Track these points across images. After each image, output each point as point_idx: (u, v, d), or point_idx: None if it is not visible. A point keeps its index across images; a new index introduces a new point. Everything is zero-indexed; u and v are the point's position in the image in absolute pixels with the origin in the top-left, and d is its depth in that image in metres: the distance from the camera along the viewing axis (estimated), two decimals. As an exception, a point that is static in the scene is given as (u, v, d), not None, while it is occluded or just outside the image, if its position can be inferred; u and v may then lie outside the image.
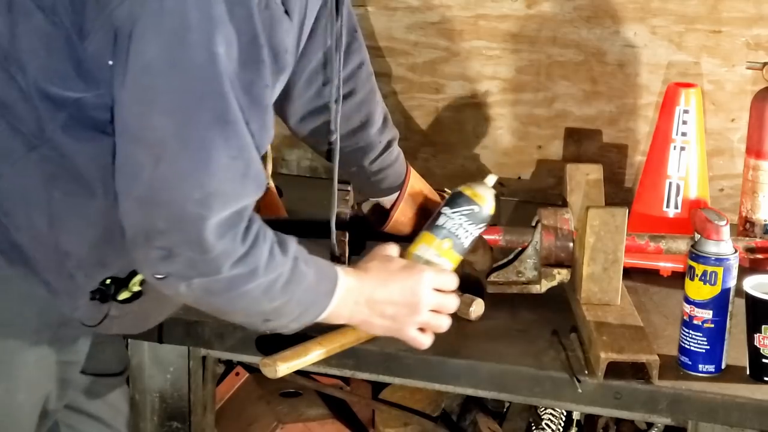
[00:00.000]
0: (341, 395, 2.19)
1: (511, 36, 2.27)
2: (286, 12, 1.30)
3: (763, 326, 1.51)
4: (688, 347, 1.55)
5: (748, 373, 1.55)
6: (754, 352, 1.53)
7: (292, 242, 1.39)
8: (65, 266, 1.38)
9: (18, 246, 1.36)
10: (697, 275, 1.52)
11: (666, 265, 1.89)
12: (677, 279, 1.71)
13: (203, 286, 1.31)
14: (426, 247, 1.58)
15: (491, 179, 1.63)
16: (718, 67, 2.18)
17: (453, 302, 1.54)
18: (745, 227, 1.95)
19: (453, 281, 1.54)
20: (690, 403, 1.52)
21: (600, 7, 2.21)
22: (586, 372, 1.55)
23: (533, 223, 1.79)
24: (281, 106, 1.70)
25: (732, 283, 1.52)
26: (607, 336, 1.56)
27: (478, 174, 2.35)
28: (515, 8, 2.25)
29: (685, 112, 1.92)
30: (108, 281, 1.41)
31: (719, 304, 1.52)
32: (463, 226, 1.59)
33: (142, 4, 1.20)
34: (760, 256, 1.81)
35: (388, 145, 1.78)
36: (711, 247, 1.52)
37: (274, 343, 1.60)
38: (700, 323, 1.53)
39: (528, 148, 2.34)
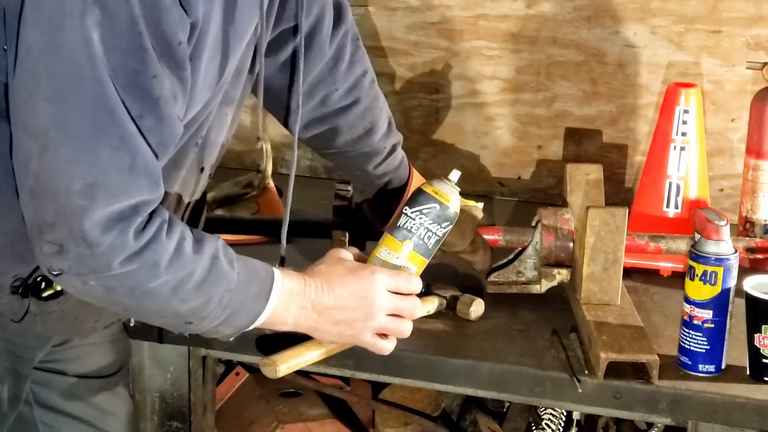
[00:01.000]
0: (341, 395, 2.19)
1: (511, 36, 2.27)
2: (182, 6, 1.24)
3: (763, 326, 1.51)
4: (688, 347, 1.55)
5: (748, 373, 1.55)
6: (754, 352, 1.53)
7: (211, 242, 1.34)
8: None
9: None
10: (697, 275, 1.52)
11: (666, 265, 1.89)
12: (677, 279, 1.71)
13: (100, 283, 1.27)
14: (387, 250, 1.50)
15: (455, 175, 1.54)
16: (718, 67, 2.18)
17: (412, 305, 1.48)
18: (745, 227, 1.95)
19: (411, 282, 1.48)
20: (690, 403, 1.52)
21: (600, 7, 2.21)
22: (586, 372, 1.55)
23: (533, 223, 1.79)
24: (282, 116, 1.69)
25: (732, 283, 1.52)
26: (607, 336, 1.56)
27: (478, 174, 2.35)
28: (515, 8, 2.25)
29: (685, 112, 1.92)
30: (39, 278, 1.38)
31: (719, 304, 1.52)
32: (424, 226, 1.49)
33: None
34: (760, 256, 1.81)
35: (393, 149, 1.77)
36: (711, 247, 1.52)
37: (274, 343, 1.60)
38: (700, 323, 1.52)
39: (528, 148, 2.34)
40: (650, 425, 2.04)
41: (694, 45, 2.18)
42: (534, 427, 2.13)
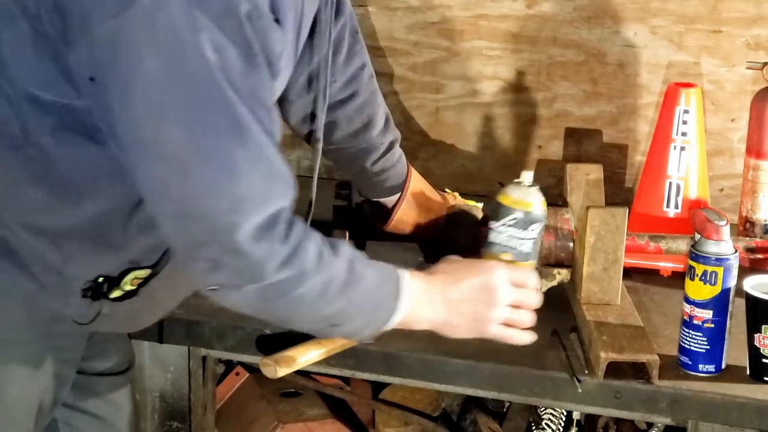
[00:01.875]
0: (341, 395, 2.19)
1: (512, 36, 2.27)
2: (277, 21, 1.29)
3: (763, 326, 1.51)
4: (688, 347, 1.55)
5: (748, 373, 1.55)
6: (754, 352, 1.53)
7: (344, 245, 1.38)
8: (54, 263, 1.37)
9: (7, 243, 1.36)
10: (697, 275, 1.52)
11: (666, 265, 1.89)
12: (677, 279, 1.71)
13: (255, 293, 1.31)
14: None
15: (527, 176, 1.56)
16: (718, 67, 2.18)
17: (533, 297, 1.50)
18: (745, 227, 1.95)
19: (530, 277, 1.51)
20: (690, 403, 1.52)
21: (600, 7, 2.21)
22: (586, 372, 1.55)
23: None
24: (281, 108, 1.69)
25: (732, 283, 1.52)
26: (607, 336, 1.56)
27: (478, 174, 2.35)
28: (515, 8, 2.25)
29: (685, 112, 1.92)
30: (101, 279, 1.40)
31: (719, 304, 1.52)
32: (514, 237, 1.54)
33: (132, 22, 1.19)
34: (760, 256, 1.81)
35: (390, 146, 1.78)
36: (711, 247, 1.52)
37: (274, 343, 1.60)
38: (700, 323, 1.52)
39: (528, 148, 2.34)
40: (650, 425, 2.04)
41: (694, 45, 2.18)
42: (534, 427, 2.13)
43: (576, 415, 2.10)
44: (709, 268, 1.51)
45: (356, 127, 1.73)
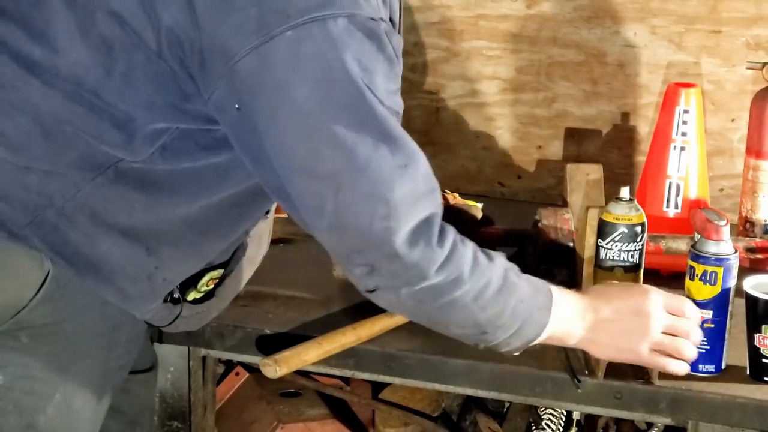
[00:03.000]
0: (341, 395, 2.19)
1: (512, 36, 2.27)
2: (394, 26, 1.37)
3: (763, 326, 1.51)
4: None
5: (748, 373, 1.55)
6: (754, 352, 1.53)
7: (498, 254, 1.41)
8: (147, 271, 1.40)
9: (89, 257, 1.37)
10: (697, 275, 1.52)
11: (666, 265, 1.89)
12: (677, 279, 1.71)
13: (411, 296, 1.34)
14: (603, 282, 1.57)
15: (625, 192, 1.59)
16: (718, 67, 2.18)
17: (689, 326, 1.48)
18: (745, 227, 1.94)
19: (687, 305, 1.49)
20: (690, 403, 1.52)
21: (600, 7, 2.21)
22: (586, 372, 1.55)
23: (533, 223, 1.79)
24: None
25: (732, 283, 1.52)
26: (607, 336, 1.56)
27: (478, 174, 2.35)
28: (515, 8, 2.25)
29: (685, 112, 1.92)
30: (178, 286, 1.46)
31: (719, 304, 1.52)
32: (622, 250, 1.56)
33: (275, 54, 1.23)
34: (760, 256, 1.81)
35: None
36: (711, 247, 1.52)
37: (274, 343, 1.60)
38: (701, 323, 1.52)
39: (528, 148, 2.34)
40: (650, 425, 2.04)
41: (694, 45, 2.18)
42: (534, 427, 2.13)
43: (576, 415, 2.10)
44: (709, 268, 1.51)
45: None
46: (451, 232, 1.35)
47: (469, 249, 1.36)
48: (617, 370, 1.54)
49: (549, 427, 2.10)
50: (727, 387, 1.53)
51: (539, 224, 1.76)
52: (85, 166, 1.33)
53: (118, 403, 1.61)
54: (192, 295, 1.49)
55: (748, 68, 2.04)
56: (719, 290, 1.51)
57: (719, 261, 1.51)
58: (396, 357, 1.61)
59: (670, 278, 1.88)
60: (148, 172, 1.34)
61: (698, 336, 1.49)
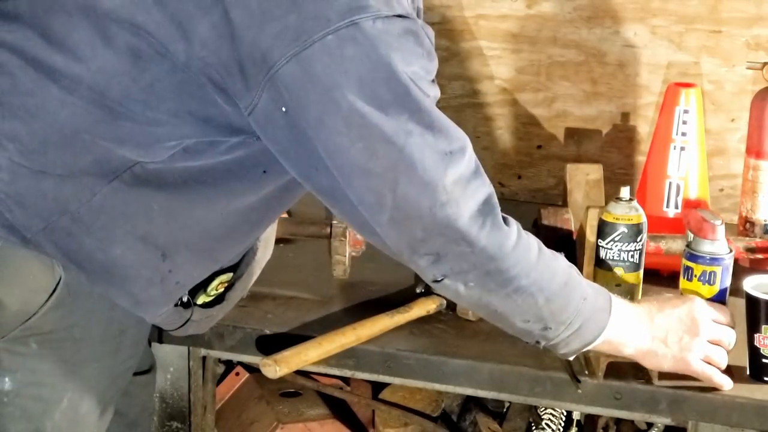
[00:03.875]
0: (341, 395, 2.19)
1: (512, 36, 2.27)
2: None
3: (763, 326, 1.51)
4: None
5: (748, 373, 1.55)
6: (754, 352, 1.53)
7: (559, 252, 1.42)
8: (160, 275, 1.40)
9: (103, 262, 1.37)
10: (695, 275, 1.52)
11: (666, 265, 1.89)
12: (677, 279, 1.70)
13: (480, 282, 1.35)
14: (604, 283, 1.56)
15: (625, 192, 1.59)
16: (718, 67, 2.18)
17: (730, 335, 1.50)
18: (745, 227, 1.94)
19: (727, 314, 1.51)
20: (690, 403, 1.52)
21: (600, 7, 2.21)
22: (586, 372, 1.55)
23: (533, 224, 1.79)
24: None
25: (728, 281, 1.52)
26: (607, 336, 1.56)
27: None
28: (515, 8, 2.25)
29: (685, 112, 1.92)
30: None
31: (718, 303, 1.52)
32: (623, 250, 1.57)
33: (317, 59, 1.24)
34: (760, 256, 1.81)
35: None
36: (708, 247, 1.52)
37: (274, 343, 1.60)
38: None
39: (528, 148, 2.34)
40: (650, 425, 2.04)
41: (694, 45, 2.18)
42: (534, 427, 2.13)
43: (576, 416, 2.10)
44: (708, 268, 1.51)
45: None
46: (510, 217, 1.37)
47: (533, 238, 1.38)
48: (617, 370, 1.54)
49: (549, 427, 2.10)
50: (727, 387, 1.53)
51: (539, 224, 1.76)
52: (101, 171, 1.33)
53: (118, 405, 1.62)
54: (202, 299, 1.50)
55: (748, 68, 2.04)
56: (718, 290, 1.51)
57: (717, 260, 1.51)
58: (396, 357, 1.61)
59: (670, 278, 1.88)
60: (164, 172, 1.34)
61: (733, 340, 1.51)
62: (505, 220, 1.36)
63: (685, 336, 1.47)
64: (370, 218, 1.33)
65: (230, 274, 1.53)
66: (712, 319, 1.49)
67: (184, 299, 1.47)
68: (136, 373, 1.64)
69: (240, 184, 1.39)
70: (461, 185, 1.31)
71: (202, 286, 1.49)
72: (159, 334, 1.70)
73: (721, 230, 1.53)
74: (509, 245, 1.34)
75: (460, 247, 1.32)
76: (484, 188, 1.34)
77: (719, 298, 1.52)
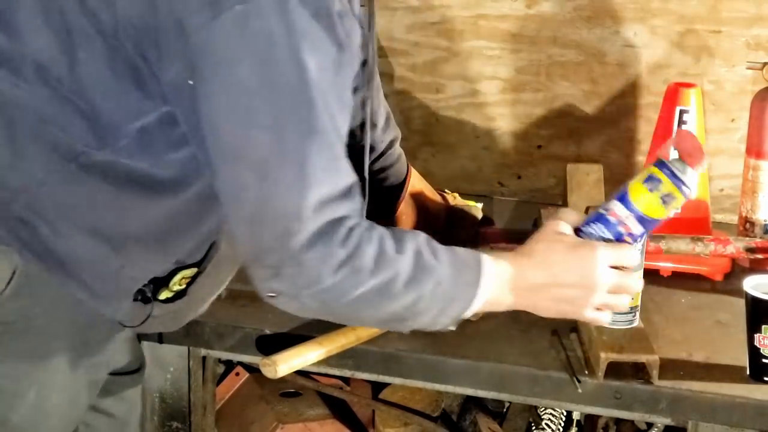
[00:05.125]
0: (341, 395, 2.19)
1: (511, 36, 2.27)
2: (360, 25, 1.34)
3: (763, 326, 1.51)
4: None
5: (748, 373, 1.55)
6: (754, 352, 1.53)
7: (412, 238, 1.36)
8: (113, 270, 1.38)
9: (57, 253, 1.36)
10: (660, 191, 1.43)
11: (666, 265, 1.89)
12: (677, 279, 1.71)
13: (312, 298, 1.31)
14: None
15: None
16: (718, 67, 2.18)
17: (633, 282, 1.45)
18: (745, 227, 1.94)
19: (632, 256, 1.44)
20: (690, 403, 1.52)
21: (600, 7, 2.21)
22: (586, 372, 1.55)
23: (533, 223, 1.79)
24: None
25: (668, 217, 1.46)
26: (607, 336, 1.56)
27: (478, 174, 2.35)
28: (515, 8, 2.25)
29: (685, 112, 1.92)
30: (150, 283, 1.42)
31: (650, 227, 1.45)
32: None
33: (223, 30, 1.20)
34: (760, 256, 1.81)
35: (390, 145, 1.77)
36: (689, 174, 1.44)
37: (274, 343, 1.60)
38: (624, 232, 1.44)
39: (528, 148, 2.34)
40: (650, 425, 2.04)
41: (694, 45, 2.18)
42: (534, 427, 2.13)
43: (576, 415, 2.10)
44: (675, 192, 1.43)
45: (357, 124, 1.72)
46: (359, 229, 1.30)
47: (373, 243, 1.31)
48: (617, 370, 1.54)
49: (549, 427, 2.10)
50: (727, 387, 1.53)
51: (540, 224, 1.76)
52: (49, 159, 1.31)
53: (106, 405, 1.61)
54: (164, 295, 1.45)
55: (748, 68, 2.04)
56: (664, 215, 1.45)
57: (685, 189, 1.43)
58: (396, 357, 1.61)
59: (670, 278, 1.89)
60: (110, 165, 1.32)
61: (640, 287, 1.47)
62: (350, 234, 1.29)
63: (577, 292, 1.41)
64: (231, 212, 1.29)
65: (194, 270, 1.47)
66: (614, 265, 1.43)
67: (148, 294, 1.43)
68: (124, 373, 1.64)
69: (183, 182, 1.36)
70: (321, 202, 1.26)
71: (165, 282, 1.45)
72: (159, 334, 1.70)
73: (702, 169, 1.47)
74: (337, 264, 1.28)
75: (292, 267, 1.28)
76: (343, 211, 1.29)
77: (656, 225, 1.45)
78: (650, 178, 1.45)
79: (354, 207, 1.31)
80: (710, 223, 2.01)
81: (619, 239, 1.45)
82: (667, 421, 1.58)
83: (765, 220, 1.92)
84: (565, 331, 1.66)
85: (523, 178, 2.34)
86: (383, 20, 2.33)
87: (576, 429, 2.11)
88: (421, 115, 2.37)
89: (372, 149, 1.75)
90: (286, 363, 1.50)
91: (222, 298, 1.63)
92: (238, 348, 1.68)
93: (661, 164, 1.45)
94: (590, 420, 2.12)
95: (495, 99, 2.32)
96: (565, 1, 2.22)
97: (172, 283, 1.44)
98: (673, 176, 1.44)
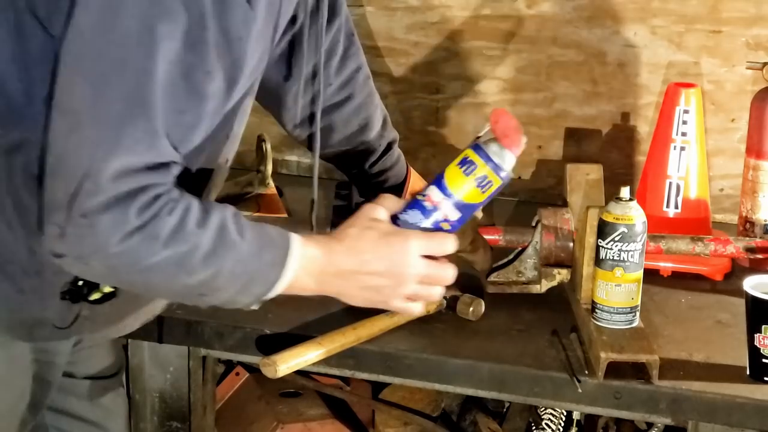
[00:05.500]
0: (341, 395, 2.19)
1: (512, 36, 2.27)
2: (248, 1, 1.24)
3: (763, 326, 1.51)
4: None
5: (748, 373, 1.55)
6: (754, 352, 1.53)
7: (218, 212, 1.31)
8: (33, 265, 1.35)
9: None
10: (476, 174, 1.40)
11: (666, 265, 1.89)
12: (677, 279, 1.71)
13: (100, 263, 1.25)
14: (604, 282, 1.56)
15: (625, 192, 1.57)
16: (718, 67, 2.18)
17: (444, 273, 1.42)
18: (745, 227, 1.95)
19: (447, 245, 1.41)
20: (690, 403, 1.52)
21: (600, 7, 2.21)
22: (586, 372, 1.55)
23: (533, 223, 1.79)
24: (278, 113, 1.69)
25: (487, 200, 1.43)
26: (607, 336, 1.56)
27: (478, 174, 2.35)
28: (515, 8, 2.25)
29: (685, 112, 1.93)
30: (80, 282, 1.38)
31: (468, 213, 1.43)
32: (623, 250, 1.55)
33: None
34: (760, 256, 1.81)
35: (389, 147, 1.77)
36: (507, 157, 1.42)
37: (274, 343, 1.60)
38: (442, 218, 1.42)
39: (528, 148, 2.31)
40: (650, 425, 2.04)
41: (694, 45, 2.18)
42: (534, 427, 2.13)
43: (576, 415, 2.10)
44: (492, 176, 1.40)
45: (353, 129, 1.72)
46: (163, 200, 1.25)
47: (176, 214, 1.26)
48: (617, 370, 1.54)
49: (549, 427, 2.10)
50: (727, 387, 1.53)
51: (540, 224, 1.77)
52: None
53: (79, 409, 1.61)
54: (95, 296, 1.41)
55: (748, 68, 2.04)
56: (481, 200, 1.42)
57: (503, 175, 1.41)
58: (396, 357, 1.61)
59: (670, 278, 1.89)
60: (24, 144, 1.29)
61: (452, 278, 1.44)
62: (151, 203, 1.24)
63: (385, 281, 1.39)
64: (45, 162, 1.24)
65: None
66: (425, 255, 1.40)
67: (84, 291, 1.40)
68: (98, 378, 1.63)
69: None
70: (124, 166, 1.20)
71: (96, 283, 1.40)
72: (159, 334, 1.70)
73: (521, 149, 1.43)
74: (131, 230, 1.22)
75: (80, 228, 1.22)
76: (149, 180, 1.23)
77: (472, 210, 1.43)
78: (465, 161, 1.41)
79: (164, 180, 1.25)
80: (710, 223, 2.01)
81: (436, 227, 1.42)
82: (667, 421, 1.58)
83: (765, 220, 1.92)
84: (565, 331, 1.66)
85: (523, 178, 2.34)
86: (383, 20, 2.33)
87: (576, 429, 2.11)
88: (421, 115, 2.37)
89: (371, 151, 1.75)
90: (286, 363, 1.50)
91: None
92: (238, 348, 1.68)
93: (476, 147, 1.41)
94: (590, 420, 2.12)
95: (495, 99, 2.32)
96: (565, 1, 2.22)
97: (102, 284, 1.40)
98: (489, 159, 1.40)
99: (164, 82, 1.19)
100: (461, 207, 1.42)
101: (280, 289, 1.36)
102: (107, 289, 1.40)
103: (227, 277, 1.31)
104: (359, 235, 1.40)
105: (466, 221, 1.45)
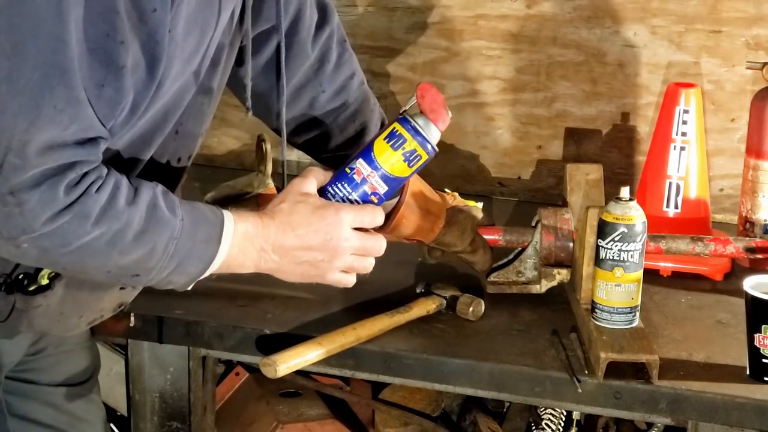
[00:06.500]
0: (341, 395, 2.19)
1: (511, 36, 2.27)
2: None
3: (763, 326, 1.51)
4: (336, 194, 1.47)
5: (748, 373, 1.55)
6: (754, 352, 1.53)
7: (148, 190, 1.30)
8: None
9: None
10: (404, 149, 1.42)
11: (666, 265, 1.89)
12: (677, 279, 1.71)
13: (32, 244, 1.23)
14: (604, 282, 1.57)
15: (625, 192, 1.57)
16: (718, 67, 2.18)
17: (377, 244, 1.45)
18: (745, 227, 1.95)
19: (375, 217, 1.44)
20: (690, 403, 1.52)
21: (600, 7, 2.21)
22: (586, 372, 1.55)
23: (533, 223, 1.79)
24: (269, 121, 1.67)
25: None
26: (606, 336, 1.56)
27: (478, 174, 2.35)
28: (515, 8, 2.25)
29: (685, 112, 1.93)
30: (20, 276, 1.37)
31: (395, 186, 1.45)
32: (622, 250, 1.55)
33: None
34: (760, 256, 1.81)
35: None
36: (434, 132, 1.43)
37: (274, 343, 1.61)
38: (369, 192, 1.45)
39: (528, 148, 2.34)
40: (650, 425, 2.04)
41: (694, 45, 2.18)
42: (534, 427, 2.13)
43: (576, 415, 2.10)
44: (420, 151, 1.42)
45: (350, 135, 1.71)
46: (92, 177, 1.24)
47: (105, 191, 1.25)
48: (617, 370, 1.54)
49: (549, 427, 2.10)
50: (727, 387, 1.53)
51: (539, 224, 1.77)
52: None
53: (44, 417, 1.60)
54: (32, 288, 1.39)
55: (748, 68, 2.04)
56: (408, 174, 1.44)
57: (430, 149, 1.42)
58: (396, 357, 1.61)
59: (670, 278, 1.89)
60: None
61: (383, 249, 1.45)
62: (80, 182, 1.22)
63: (320, 255, 1.40)
64: None
65: None
66: (356, 227, 1.42)
67: (24, 283, 1.38)
68: (65, 384, 1.62)
69: None
70: (47, 140, 1.18)
71: (35, 276, 1.39)
72: (159, 334, 1.70)
73: (443, 127, 1.45)
74: (60, 209, 1.21)
75: (8, 206, 1.20)
76: (77, 157, 1.21)
77: (400, 183, 1.45)
78: (393, 135, 1.43)
79: (93, 156, 1.24)
80: (710, 223, 2.01)
81: (364, 199, 1.44)
82: (667, 421, 1.58)
83: (765, 220, 1.92)
84: (565, 331, 1.66)
85: (523, 178, 2.35)
86: (383, 20, 2.33)
87: (576, 429, 2.11)
88: (421, 115, 2.37)
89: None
90: (286, 363, 1.50)
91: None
92: (238, 348, 1.68)
93: (403, 120, 1.42)
94: (590, 420, 2.12)
95: (495, 99, 2.32)
96: (565, 1, 2.22)
97: (40, 276, 1.38)
98: (417, 133, 1.42)
99: (78, 50, 1.18)
100: (388, 179, 1.44)
101: (215, 267, 1.36)
102: (44, 281, 1.39)
103: (161, 256, 1.30)
104: (291, 209, 1.40)
105: (393, 195, 1.47)
